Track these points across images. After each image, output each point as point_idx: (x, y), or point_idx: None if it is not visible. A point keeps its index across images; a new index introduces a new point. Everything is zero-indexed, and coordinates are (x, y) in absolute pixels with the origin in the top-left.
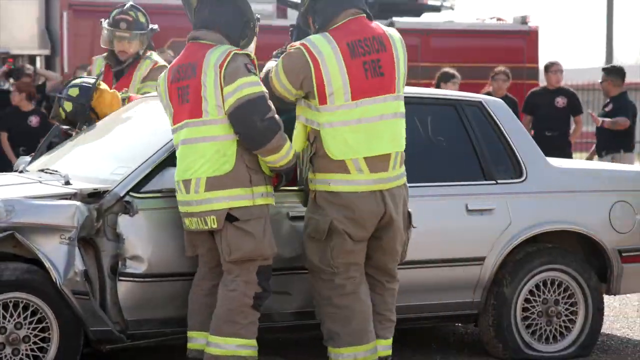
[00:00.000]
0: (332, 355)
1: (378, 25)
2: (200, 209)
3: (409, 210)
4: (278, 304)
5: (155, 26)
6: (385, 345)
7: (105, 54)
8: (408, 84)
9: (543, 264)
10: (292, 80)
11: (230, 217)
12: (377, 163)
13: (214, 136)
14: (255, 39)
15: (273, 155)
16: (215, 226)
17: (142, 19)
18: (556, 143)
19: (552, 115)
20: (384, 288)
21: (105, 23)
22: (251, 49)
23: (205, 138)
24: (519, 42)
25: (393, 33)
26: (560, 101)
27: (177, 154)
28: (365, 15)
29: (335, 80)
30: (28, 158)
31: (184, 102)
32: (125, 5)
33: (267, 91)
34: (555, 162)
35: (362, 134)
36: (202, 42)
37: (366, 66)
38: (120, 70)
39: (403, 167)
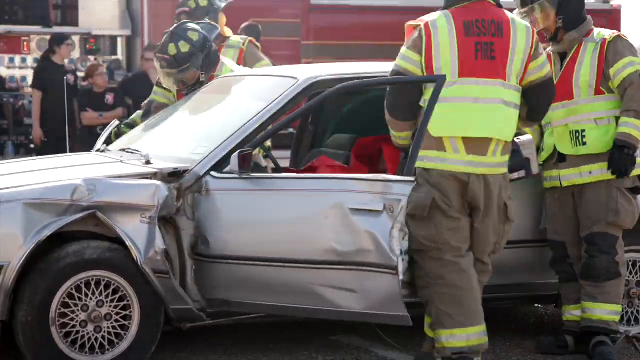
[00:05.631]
0: (443, 338)
1: (504, 12)
2: None
3: (506, 202)
4: None
5: None
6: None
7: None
8: None
9: (625, 245)
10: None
11: None
12: (476, 146)
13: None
14: None
15: None
16: None
17: None
18: None
19: None
20: None
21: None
22: None
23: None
24: (600, 21)
25: (519, 21)
26: None
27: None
28: (493, 2)
29: (444, 54)
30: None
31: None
32: None
33: None
34: None
35: (463, 113)
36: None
37: (478, 47)
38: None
39: (505, 157)
